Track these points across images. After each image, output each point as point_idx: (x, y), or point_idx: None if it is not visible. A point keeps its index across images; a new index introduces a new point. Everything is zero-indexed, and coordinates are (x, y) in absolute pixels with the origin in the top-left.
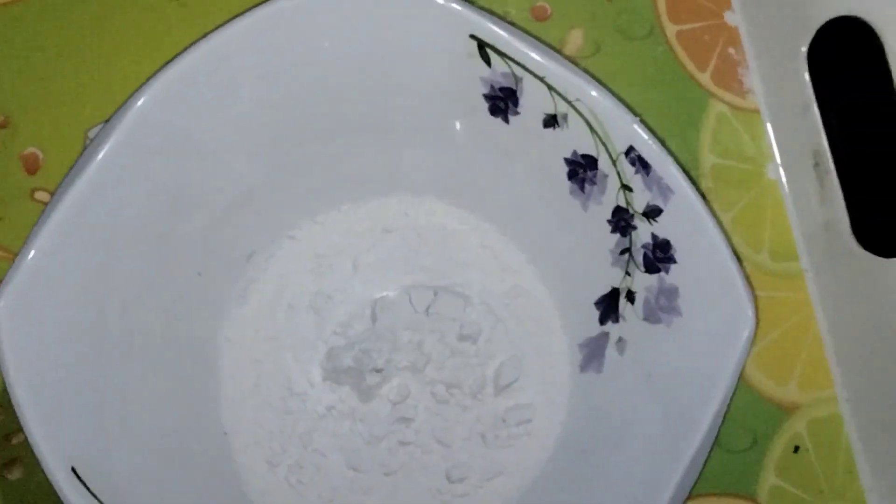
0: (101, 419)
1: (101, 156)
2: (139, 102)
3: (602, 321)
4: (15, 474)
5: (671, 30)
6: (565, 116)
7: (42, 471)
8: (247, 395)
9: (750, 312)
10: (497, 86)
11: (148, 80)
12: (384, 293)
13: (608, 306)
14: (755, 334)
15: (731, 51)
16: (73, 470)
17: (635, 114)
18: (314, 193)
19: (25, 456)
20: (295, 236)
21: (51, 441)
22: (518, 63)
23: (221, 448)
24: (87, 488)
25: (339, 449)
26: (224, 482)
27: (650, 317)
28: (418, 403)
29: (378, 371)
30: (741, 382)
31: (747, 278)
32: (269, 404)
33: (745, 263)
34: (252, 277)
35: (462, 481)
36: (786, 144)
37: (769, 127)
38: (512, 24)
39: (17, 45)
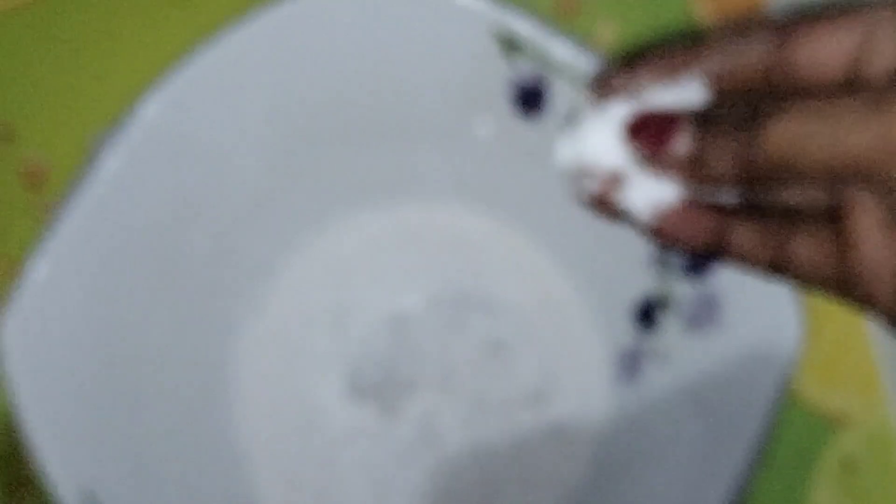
0: (112, 441)
1: (108, 167)
2: (146, 110)
3: (638, 331)
4: (26, 500)
5: (706, 15)
6: None
7: (52, 496)
8: (264, 415)
9: (796, 319)
10: (521, 84)
11: (154, 86)
12: (407, 305)
13: (645, 315)
14: (803, 343)
15: None
16: (88, 496)
17: None
18: (330, 200)
19: (34, 481)
20: (311, 246)
21: (62, 466)
22: (543, 59)
23: (238, 471)
24: None
25: (364, 471)
26: None
27: (690, 325)
28: (447, 420)
29: (404, 387)
30: (788, 394)
31: None
32: (288, 424)
33: None
34: (266, 289)
35: (494, 498)
36: None
37: None
38: (537, 17)
39: (18, 51)
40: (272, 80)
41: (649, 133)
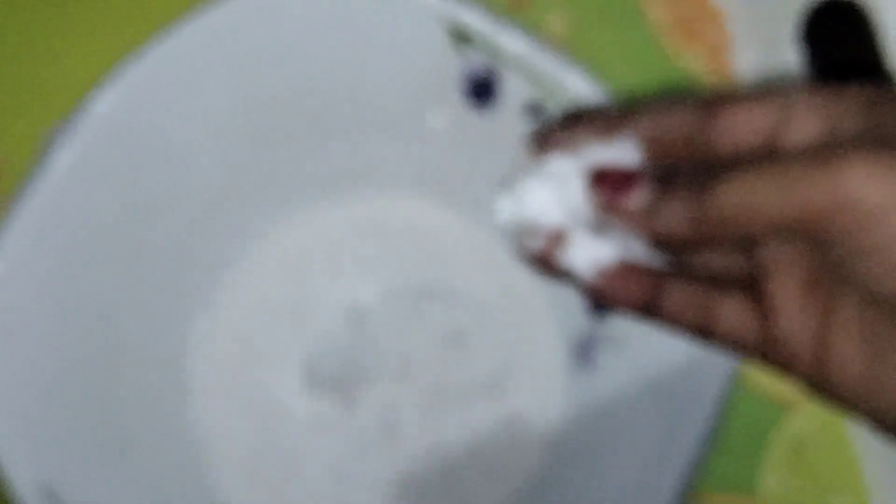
0: (71, 436)
1: (60, 162)
2: (100, 104)
3: (594, 318)
4: None
5: (655, 12)
6: (546, 105)
7: (10, 491)
8: (223, 408)
9: None
10: (473, 76)
11: (108, 79)
12: (365, 296)
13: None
14: None
15: (717, 34)
16: (47, 491)
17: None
18: (287, 193)
19: None
20: (268, 238)
21: (20, 461)
22: (494, 50)
23: (198, 463)
24: None
25: (324, 462)
26: (200, 498)
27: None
28: (406, 411)
29: (362, 379)
30: (738, 378)
31: None
32: (248, 416)
33: None
34: (224, 282)
35: (454, 487)
36: None
37: None
38: (487, 9)
39: None
40: (226, 74)
41: (612, 182)
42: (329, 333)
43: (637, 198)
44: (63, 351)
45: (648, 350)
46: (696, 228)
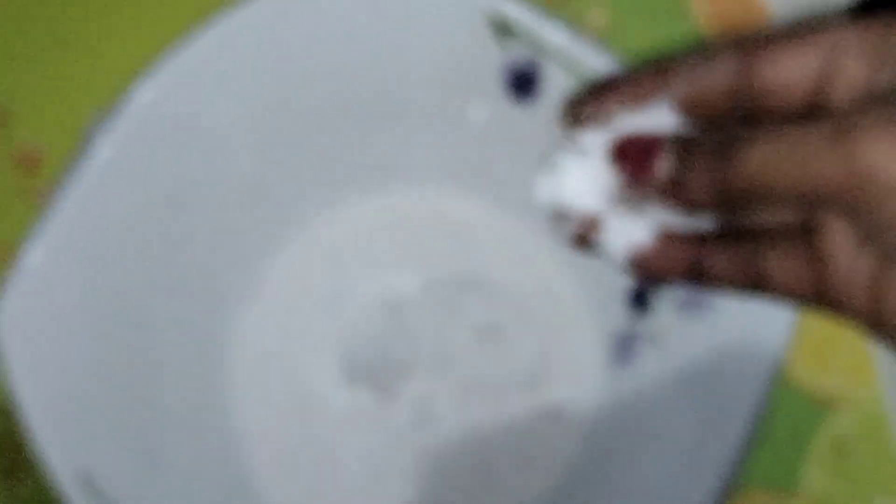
0: (109, 424)
1: (102, 152)
2: (141, 95)
3: (632, 314)
4: (23, 484)
5: (698, 6)
6: None
7: (49, 480)
8: (259, 398)
9: None
10: (514, 69)
11: (149, 70)
12: (402, 288)
13: (639, 298)
14: (795, 325)
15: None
16: (85, 479)
17: None
18: (326, 186)
19: (31, 464)
20: (306, 230)
21: (59, 449)
22: (536, 43)
23: (234, 453)
24: (96, 496)
25: (359, 454)
26: (236, 488)
27: (683, 308)
28: (442, 404)
29: (398, 371)
30: (780, 376)
31: None
32: (284, 408)
33: None
34: (261, 274)
35: (490, 480)
36: None
37: None
38: (530, 1)
39: (14, 35)
40: (267, 65)
41: (634, 155)
42: (366, 326)
43: (661, 168)
44: (101, 341)
45: (688, 347)
46: (722, 196)
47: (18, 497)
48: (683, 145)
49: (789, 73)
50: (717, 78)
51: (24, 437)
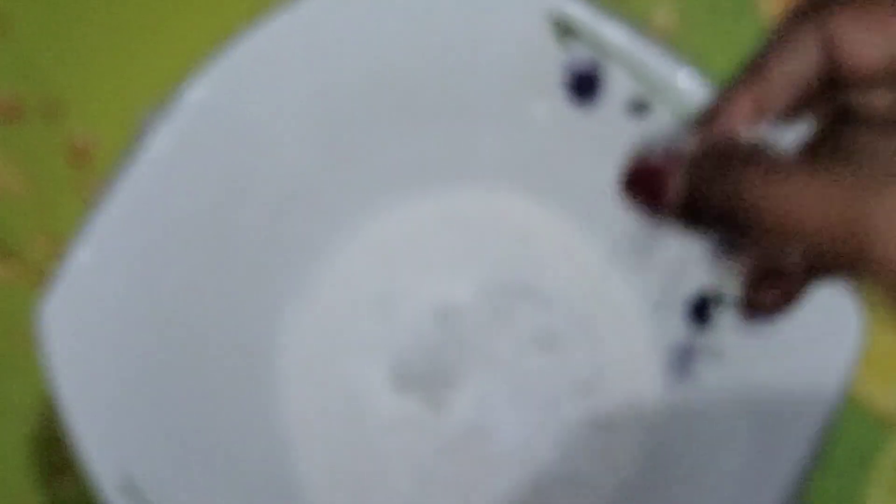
0: (152, 426)
1: (155, 148)
2: (195, 91)
3: (692, 327)
4: (63, 484)
5: (766, 4)
6: (651, 101)
7: (90, 481)
8: (307, 401)
9: (857, 319)
10: (576, 70)
11: (203, 67)
12: (455, 294)
13: (699, 311)
14: (863, 343)
15: None
16: (126, 483)
17: None
18: (380, 184)
19: (73, 466)
20: (359, 230)
21: (100, 451)
22: (599, 44)
23: (281, 456)
24: (138, 502)
25: (407, 461)
26: (283, 494)
27: (745, 323)
28: (494, 413)
29: (450, 379)
30: (847, 398)
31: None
32: (332, 411)
33: None
34: (313, 274)
35: (541, 493)
36: None
37: None
38: (592, 1)
39: (70, 29)
40: (322, 62)
41: (645, 186)
42: (418, 331)
43: (674, 193)
44: (149, 340)
45: (749, 365)
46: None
47: (60, 499)
48: (691, 167)
49: (868, 39)
50: (802, 66)
51: (66, 438)
